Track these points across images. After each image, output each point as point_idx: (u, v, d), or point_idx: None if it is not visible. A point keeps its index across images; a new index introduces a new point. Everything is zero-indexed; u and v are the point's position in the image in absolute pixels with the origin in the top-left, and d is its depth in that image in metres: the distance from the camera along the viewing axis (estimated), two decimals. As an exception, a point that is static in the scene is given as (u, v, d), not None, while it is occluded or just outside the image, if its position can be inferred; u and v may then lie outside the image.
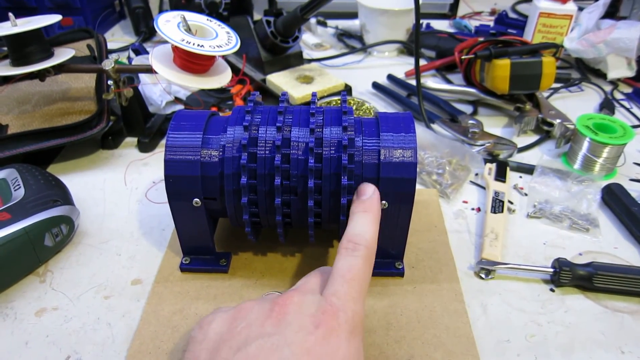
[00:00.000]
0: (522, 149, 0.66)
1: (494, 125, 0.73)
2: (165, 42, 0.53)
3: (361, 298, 0.31)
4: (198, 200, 0.40)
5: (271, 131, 0.39)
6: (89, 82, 0.67)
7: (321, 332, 0.28)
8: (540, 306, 0.43)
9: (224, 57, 0.65)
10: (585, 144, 0.60)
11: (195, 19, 0.57)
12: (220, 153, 0.39)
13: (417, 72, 0.69)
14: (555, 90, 0.82)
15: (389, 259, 0.45)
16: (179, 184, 0.40)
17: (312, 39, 1.03)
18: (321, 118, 0.40)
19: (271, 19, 0.75)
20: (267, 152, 0.39)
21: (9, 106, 0.64)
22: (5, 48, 0.55)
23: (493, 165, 0.60)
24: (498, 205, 0.53)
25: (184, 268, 0.45)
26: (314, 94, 0.43)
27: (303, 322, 0.28)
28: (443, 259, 0.47)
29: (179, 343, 0.38)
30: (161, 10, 1.09)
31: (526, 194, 0.57)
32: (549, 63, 0.69)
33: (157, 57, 0.56)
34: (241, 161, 0.38)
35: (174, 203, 0.41)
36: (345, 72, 0.91)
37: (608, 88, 0.85)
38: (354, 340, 0.29)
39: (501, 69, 0.69)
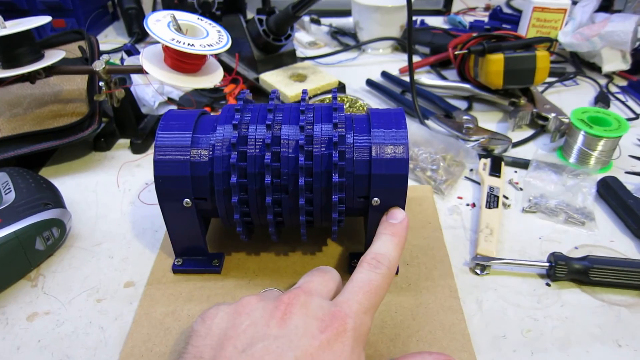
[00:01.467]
0: (517, 144, 0.66)
1: (489, 120, 0.72)
2: (157, 42, 0.53)
3: (372, 312, 0.31)
4: (189, 200, 0.40)
5: (261, 129, 0.39)
6: (81, 84, 0.67)
7: (326, 337, 0.27)
8: (536, 301, 0.43)
9: (216, 57, 0.64)
10: (580, 138, 0.59)
11: (185, 18, 0.57)
12: (210, 152, 0.39)
13: (411, 68, 0.68)
14: (550, 84, 0.82)
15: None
16: (169, 184, 0.39)
17: (306, 37, 1.03)
18: (311, 115, 0.40)
19: (263, 17, 0.75)
20: (257, 150, 0.38)
21: (0, 109, 0.64)
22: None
23: (488, 161, 0.59)
24: (493, 200, 0.53)
25: (176, 269, 0.44)
26: (304, 92, 0.43)
27: (309, 325, 0.28)
28: (438, 256, 0.46)
29: (172, 345, 0.38)
30: (154, 11, 1.08)
31: (521, 189, 0.57)
32: (542, 57, 0.69)
33: (147, 57, 0.55)
34: (231, 160, 0.37)
35: (165, 204, 0.40)
36: (339, 69, 0.90)
37: (603, 81, 0.84)
38: (357, 348, 0.28)
39: (495, 63, 0.69)
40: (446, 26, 1.09)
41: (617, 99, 0.79)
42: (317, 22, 1.09)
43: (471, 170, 0.60)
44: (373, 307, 0.31)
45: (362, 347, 0.29)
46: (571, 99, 0.79)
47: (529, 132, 0.69)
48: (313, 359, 0.26)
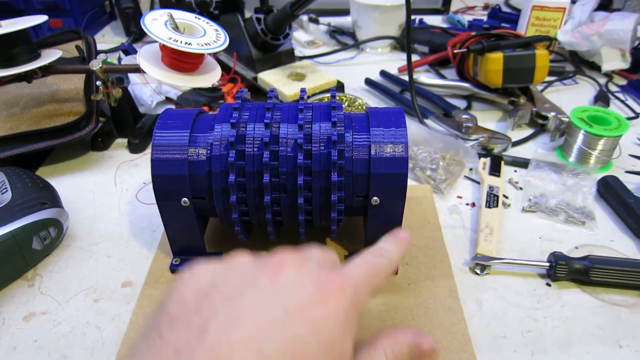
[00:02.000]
0: (516, 143, 0.66)
1: (488, 119, 0.72)
2: (154, 41, 0.53)
3: (371, 290, 0.29)
4: (186, 199, 0.39)
5: (259, 128, 0.38)
6: (78, 84, 0.66)
7: (321, 294, 0.25)
8: (537, 301, 0.42)
9: (214, 56, 0.64)
10: (580, 137, 0.59)
11: (183, 17, 0.56)
12: (208, 151, 0.39)
13: (410, 67, 0.68)
14: (550, 83, 0.82)
15: (382, 256, 0.44)
16: (167, 183, 0.39)
17: (304, 36, 1.02)
18: (310, 114, 0.39)
19: (261, 16, 0.74)
20: (255, 149, 0.38)
21: (-3, 109, 0.63)
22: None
23: (487, 160, 0.59)
24: (493, 199, 0.52)
25: (174, 269, 0.44)
26: (302, 90, 0.42)
27: (303, 282, 0.26)
28: (437, 255, 0.46)
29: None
30: (151, 10, 1.08)
31: (521, 188, 0.57)
32: (542, 56, 0.68)
33: (144, 56, 0.55)
34: (229, 159, 0.37)
35: (162, 203, 0.40)
36: (338, 68, 0.90)
37: (602, 80, 0.84)
38: (352, 314, 0.26)
39: (494, 62, 0.68)
40: (445, 25, 1.09)
41: (617, 97, 0.79)
42: (316, 21, 1.09)
43: (471, 169, 0.60)
44: (372, 287, 0.29)
45: (356, 320, 0.27)
46: (571, 98, 0.78)
47: (529, 131, 0.68)
48: (304, 313, 0.24)
